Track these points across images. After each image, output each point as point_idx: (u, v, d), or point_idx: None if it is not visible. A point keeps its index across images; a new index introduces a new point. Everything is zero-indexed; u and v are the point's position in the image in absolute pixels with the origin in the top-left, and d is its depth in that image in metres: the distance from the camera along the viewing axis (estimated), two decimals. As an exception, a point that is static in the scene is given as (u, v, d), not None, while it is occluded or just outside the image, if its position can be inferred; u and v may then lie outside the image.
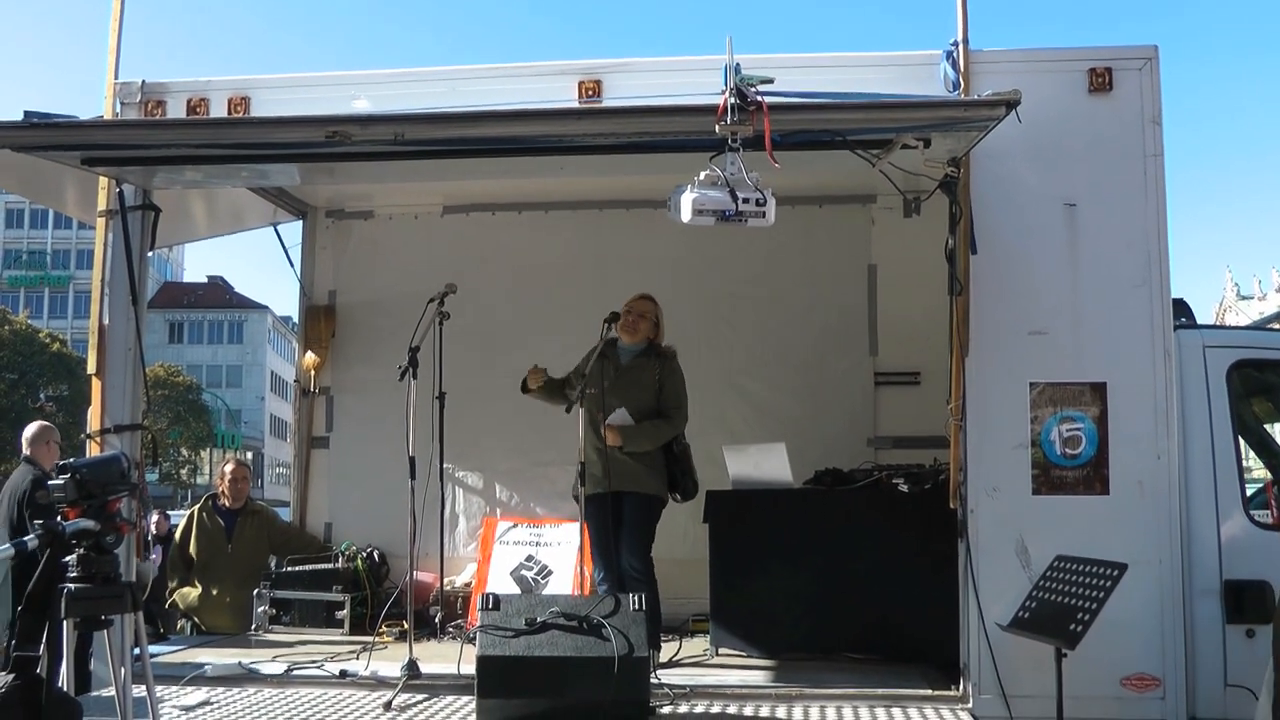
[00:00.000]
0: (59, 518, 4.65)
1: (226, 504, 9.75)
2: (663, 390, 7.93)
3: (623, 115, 6.47)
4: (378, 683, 6.88)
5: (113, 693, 5.27)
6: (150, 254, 7.79)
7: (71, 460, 4.86)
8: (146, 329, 7.64)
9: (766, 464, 7.88)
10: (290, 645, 8.15)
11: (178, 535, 9.99)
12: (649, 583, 7.68)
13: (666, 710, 6.37)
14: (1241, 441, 7.52)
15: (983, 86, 6.45)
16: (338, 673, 7.10)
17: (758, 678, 7.18)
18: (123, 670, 5.14)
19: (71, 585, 4.60)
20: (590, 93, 7.01)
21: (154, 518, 12.08)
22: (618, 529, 7.81)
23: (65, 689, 4.62)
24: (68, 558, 4.63)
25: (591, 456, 7.76)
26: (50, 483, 4.74)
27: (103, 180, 7.27)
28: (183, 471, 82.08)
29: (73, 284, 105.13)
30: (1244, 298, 74.26)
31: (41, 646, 4.52)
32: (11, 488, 9.21)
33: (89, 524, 4.65)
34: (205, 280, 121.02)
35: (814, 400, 9.53)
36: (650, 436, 7.87)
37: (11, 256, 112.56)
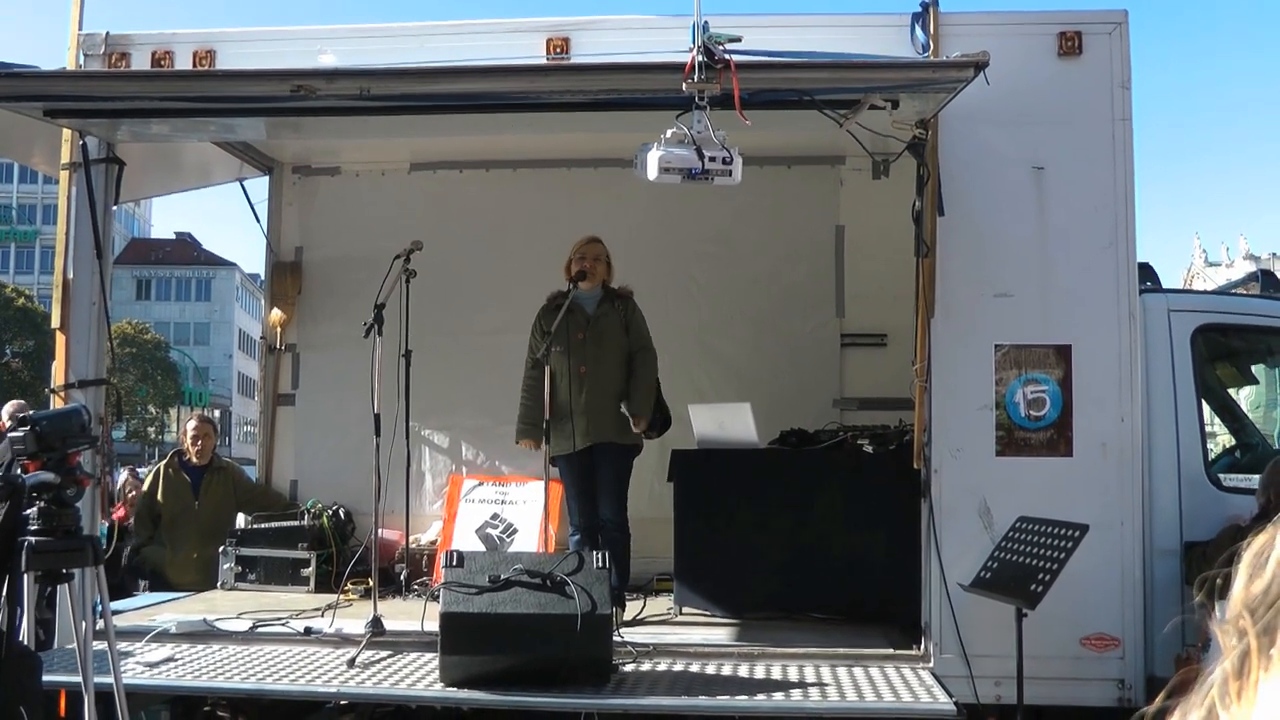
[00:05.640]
0: (19, 470, 4.63)
1: (193, 460, 9.70)
2: (629, 331, 7.97)
3: (590, 72, 6.45)
4: (342, 640, 6.88)
5: (74, 647, 5.25)
6: (116, 209, 7.75)
7: (31, 413, 4.83)
8: (113, 285, 7.59)
9: (732, 423, 7.89)
10: (255, 602, 8.13)
11: (144, 491, 9.94)
12: (625, 534, 7.81)
13: (629, 668, 6.39)
14: (1205, 404, 7.58)
15: (952, 49, 6.46)
16: (302, 630, 7.10)
17: (721, 636, 7.22)
18: (84, 625, 5.13)
19: (32, 538, 4.59)
20: (558, 49, 6.97)
21: (122, 475, 12.01)
22: (595, 483, 7.85)
23: (25, 643, 4.61)
24: (28, 510, 4.60)
25: (578, 409, 7.80)
26: (9, 435, 4.72)
27: (66, 133, 7.20)
28: (150, 429, 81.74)
29: (39, 239, 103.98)
30: (1212, 264, 74.71)
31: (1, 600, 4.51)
32: None
33: (49, 477, 4.63)
34: (173, 237, 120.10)
35: (780, 360, 9.54)
36: (649, 392, 7.94)
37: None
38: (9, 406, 9.79)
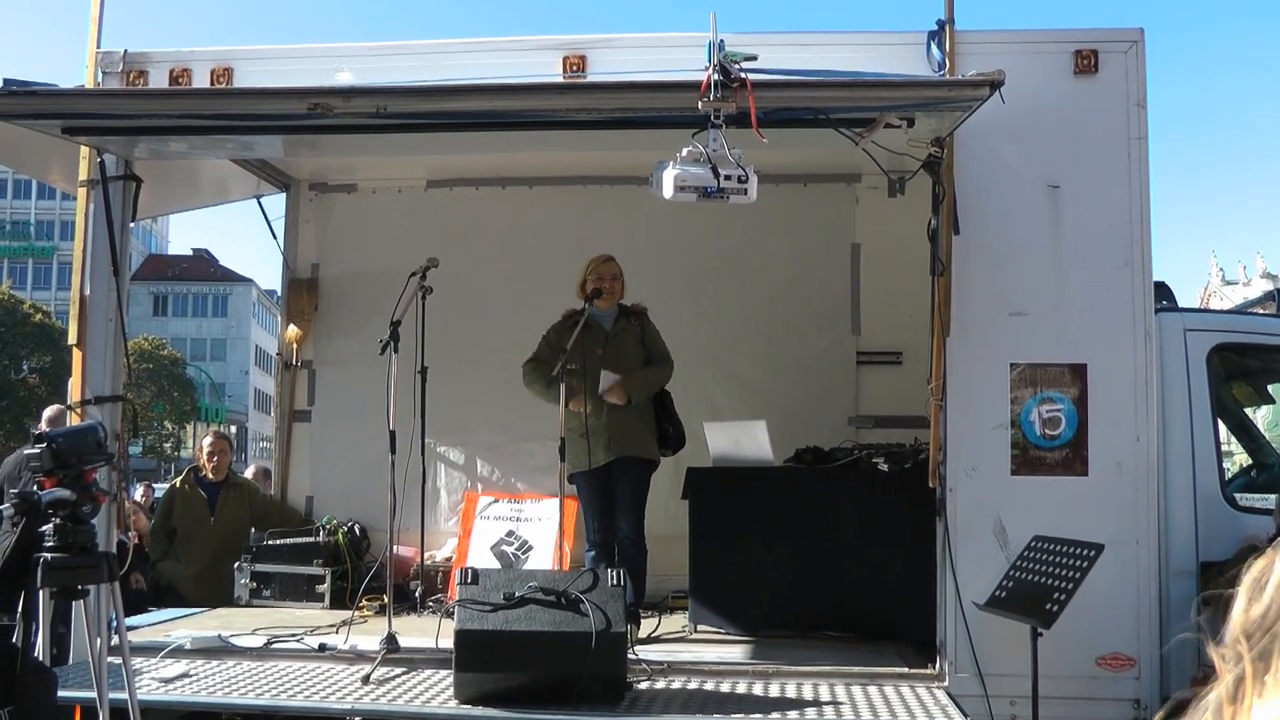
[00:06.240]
0: (36, 487, 4.64)
1: (209, 477, 9.73)
2: (646, 345, 8.02)
3: (606, 91, 6.45)
4: (357, 656, 6.88)
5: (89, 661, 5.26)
6: (133, 225, 7.77)
7: (48, 430, 4.85)
8: (130, 301, 7.62)
9: (747, 441, 7.88)
10: (270, 618, 8.13)
11: (160, 507, 9.97)
12: (642, 550, 7.83)
13: (644, 686, 6.38)
14: (1220, 424, 7.55)
15: (968, 67, 6.46)
16: (317, 646, 7.10)
17: (735, 654, 7.20)
18: (99, 641, 5.14)
19: (48, 555, 4.60)
20: (574, 68, 6.99)
21: (138, 491, 12.06)
22: (613, 499, 7.88)
23: (40, 658, 4.62)
24: (44, 527, 4.61)
25: (595, 427, 7.83)
26: (26, 451, 4.74)
27: (84, 150, 7.24)
28: (166, 445, 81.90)
29: (56, 255, 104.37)
30: (1228, 283, 74.43)
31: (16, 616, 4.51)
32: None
33: (65, 493, 4.64)
34: (190, 253, 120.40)
35: (795, 378, 9.53)
36: (649, 381, 7.97)
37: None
38: (50, 411, 9.82)
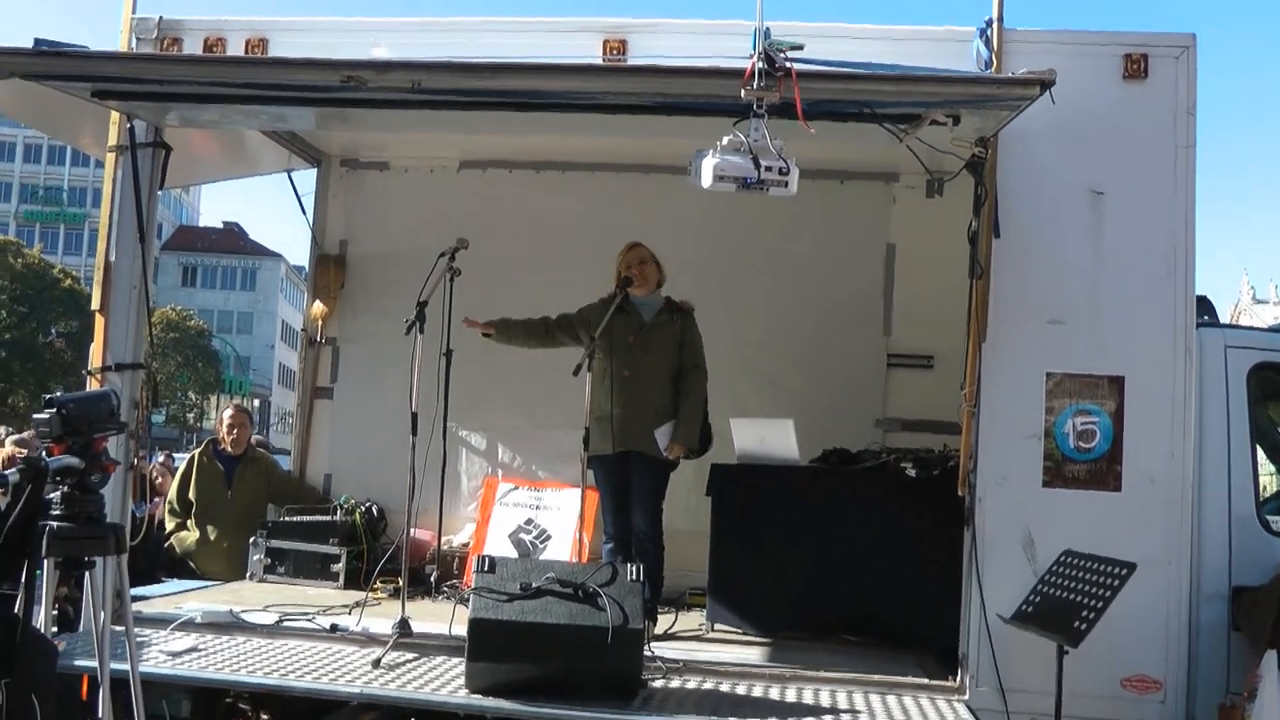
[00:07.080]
0: (43, 453, 4.56)
1: (227, 450, 9.69)
2: (683, 348, 7.91)
3: (647, 75, 6.35)
4: (368, 639, 6.82)
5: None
6: (164, 195, 7.73)
7: (58, 395, 4.75)
8: (159, 271, 7.58)
9: (774, 439, 7.77)
10: (283, 595, 8.07)
11: (177, 478, 9.92)
12: (659, 547, 7.72)
13: (658, 684, 6.29)
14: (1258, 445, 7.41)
15: (1015, 66, 6.35)
16: (328, 626, 7.03)
17: (752, 656, 7.10)
18: (103, 614, 5.06)
19: (54, 523, 4.51)
20: (615, 51, 6.89)
21: (159, 458, 12.01)
22: (629, 491, 7.78)
23: (41, 629, 4.53)
24: (51, 494, 4.52)
25: (615, 413, 7.76)
26: (35, 416, 4.65)
27: (114, 115, 7.18)
28: (189, 415, 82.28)
29: (88, 222, 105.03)
30: (1259, 301, 73.88)
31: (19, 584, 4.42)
32: None
33: (73, 461, 4.55)
34: (220, 225, 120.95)
35: (824, 378, 9.40)
36: (696, 416, 7.88)
37: (28, 192, 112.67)
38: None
